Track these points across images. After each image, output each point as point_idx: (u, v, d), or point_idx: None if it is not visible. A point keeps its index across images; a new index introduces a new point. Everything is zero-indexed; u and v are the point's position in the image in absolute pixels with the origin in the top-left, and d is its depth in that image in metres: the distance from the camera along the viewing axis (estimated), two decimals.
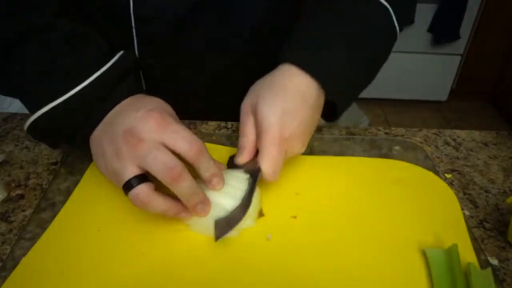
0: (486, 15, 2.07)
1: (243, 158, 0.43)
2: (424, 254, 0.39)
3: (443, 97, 2.38)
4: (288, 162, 0.50)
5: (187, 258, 0.38)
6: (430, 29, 2.10)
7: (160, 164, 0.36)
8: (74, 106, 0.40)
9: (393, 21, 0.49)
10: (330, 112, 0.48)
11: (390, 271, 0.38)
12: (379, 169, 0.50)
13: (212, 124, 0.58)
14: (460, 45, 2.16)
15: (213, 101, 0.62)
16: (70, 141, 0.43)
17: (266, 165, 0.41)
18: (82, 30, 0.44)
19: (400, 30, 0.51)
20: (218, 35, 0.55)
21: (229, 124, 0.58)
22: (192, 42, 0.55)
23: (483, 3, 2.03)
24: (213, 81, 0.60)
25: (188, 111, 0.58)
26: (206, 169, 0.39)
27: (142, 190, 0.36)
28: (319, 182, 0.48)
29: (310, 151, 0.53)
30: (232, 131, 0.56)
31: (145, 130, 0.37)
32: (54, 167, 0.49)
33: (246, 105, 0.44)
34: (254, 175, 0.42)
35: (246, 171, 0.43)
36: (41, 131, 0.42)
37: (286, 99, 0.42)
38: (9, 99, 1.34)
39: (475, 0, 2.01)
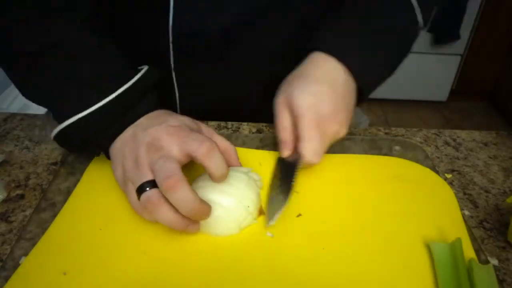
0: (486, 15, 2.07)
1: (287, 151, 0.46)
2: (427, 248, 0.40)
3: (443, 97, 2.38)
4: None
5: (189, 257, 0.38)
6: (430, 29, 2.10)
7: (162, 171, 0.36)
8: (98, 118, 0.42)
9: (415, 13, 0.51)
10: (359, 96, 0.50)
11: (393, 265, 0.38)
12: (377, 166, 0.51)
13: (212, 124, 0.58)
14: (460, 45, 2.16)
15: (244, 105, 0.62)
16: (91, 150, 0.45)
17: (307, 147, 0.43)
18: (107, 42, 0.45)
19: (424, 24, 0.53)
20: (254, 48, 0.56)
21: (229, 124, 0.58)
22: (229, 54, 0.55)
23: (483, 3, 2.04)
24: (250, 86, 0.61)
25: (218, 112, 0.59)
26: (215, 168, 0.39)
27: (154, 193, 0.37)
28: (318, 180, 0.48)
29: None
30: (232, 131, 0.56)
31: (166, 142, 0.39)
32: (54, 167, 0.49)
33: (279, 100, 0.46)
34: (296, 163, 0.44)
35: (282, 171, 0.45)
36: (66, 139, 0.44)
37: (315, 84, 0.44)
38: (9, 99, 1.34)
39: (475, 0, 2.01)
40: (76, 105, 0.41)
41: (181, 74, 0.57)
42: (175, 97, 0.60)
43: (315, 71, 0.46)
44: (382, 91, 2.35)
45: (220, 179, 0.40)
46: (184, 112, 0.60)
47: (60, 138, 0.43)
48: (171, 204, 0.37)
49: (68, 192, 0.45)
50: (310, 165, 0.45)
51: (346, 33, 0.48)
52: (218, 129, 0.57)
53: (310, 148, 0.43)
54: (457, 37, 2.10)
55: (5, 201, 0.44)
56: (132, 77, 0.43)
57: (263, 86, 0.59)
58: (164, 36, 0.52)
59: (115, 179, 0.43)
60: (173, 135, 0.40)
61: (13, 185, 0.46)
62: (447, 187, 0.48)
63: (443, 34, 2.10)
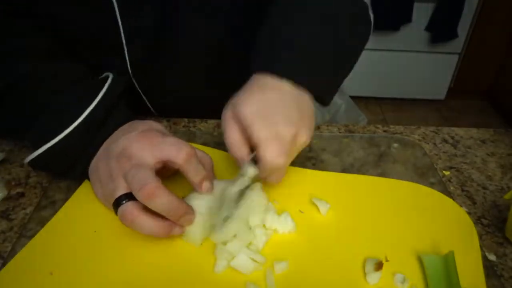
0: (484, 14, 2.08)
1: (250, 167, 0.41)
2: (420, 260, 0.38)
3: (441, 95, 2.38)
4: (293, 178, 0.47)
5: (178, 268, 0.37)
6: (428, 28, 2.10)
7: (136, 181, 0.35)
8: (71, 142, 0.41)
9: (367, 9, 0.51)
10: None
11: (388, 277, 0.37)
12: (392, 190, 0.48)
13: (212, 122, 0.58)
14: (458, 44, 2.17)
15: (211, 97, 0.62)
16: (70, 173, 0.44)
17: (267, 149, 0.38)
18: (68, 67, 0.45)
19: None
20: (199, 26, 0.55)
21: None
22: (178, 37, 0.55)
23: (481, 2, 2.04)
24: (206, 75, 0.61)
25: (186, 113, 0.59)
26: (195, 173, 0.39)
27: (127, 208, 0.36)
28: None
29: (310, 149, 0.54)
30: None
31: (136, 149, 0.38)
32: None
33: (226, 115, 0.42)
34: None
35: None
36: (41, 166, 0.43)
37: (259, 93, 0.41)
38: None
39: None
40: (45, 134, 0.41)
41: (140, 81, 0.57)
42: (145, 102, 0.61)
43: (260, 85, 0.42)
44: (380, 90, 2.36)
45: (201, 185, 0.39)
46: (161, 113, 0.62)
47: (35, 165, 0.43)
48: (148, 213, 0.36)
49: (68, 190, 0.45)
50: (274, 179, 0.41)
51: (283, 47, 0.44)
52: (217, 127, 0.57)
53: (271, 149, 0.38)
54: (454, 35, 2.11)
55: (5, 199, 0.44)
56: (94, 98, 0.43)
57: (217, 83, 0.59)
58: (117, 31, 0.51)
59: (98, 199, 0.42)
60: (142, 141, 0.39)
61: (13, 183, 0.46)
62: (466, 217, 0.44)
63: (441, 33, 2.10)
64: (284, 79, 0.42)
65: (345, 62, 0.50)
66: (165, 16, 0.51)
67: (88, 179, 0.44)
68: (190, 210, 0.38)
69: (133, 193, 0.36)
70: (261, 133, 0.39)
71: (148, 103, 0.61)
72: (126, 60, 0.54)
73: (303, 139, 0.41)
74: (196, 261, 0.38)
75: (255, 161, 0.40)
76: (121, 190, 0.37)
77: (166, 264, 0.37)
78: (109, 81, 0.45)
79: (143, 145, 0.38)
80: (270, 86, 0.42)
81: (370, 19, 0.54)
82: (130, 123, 0.44)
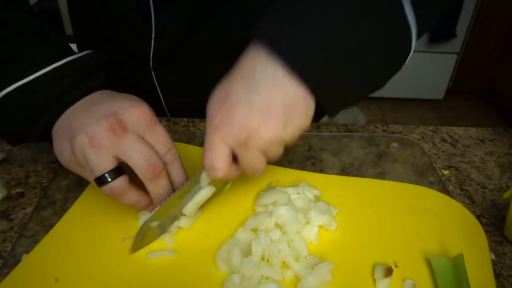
0: (482, 14, 2.08)
1: None
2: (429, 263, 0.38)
3: (440, 95, 2.39)
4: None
5: (186, 274, 0.37)
6: None
7: (143, 159, 0.35)
8: (37, 89, 0.38)
9: (411, 40, 0.38)
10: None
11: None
12: (404, 195, 0.47)
13: None
14: (456, 44, 2.17)
15: None
16: (29, 133, 0.41)
17: (203, 159, 0.37)
18: (51, 28, 0.44)
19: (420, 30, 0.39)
20: (227, 23, 0.55)
21: None
22: (203, 39, 0.56)
23: (479, 2, 2.04)
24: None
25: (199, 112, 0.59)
26: (177, 174, 0.39)
27: (119, 184, 0.36)
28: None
29: (309, 148, 0.54)
30: None
31: (132, 122, 0.37)
32: (53, 165, 0.49)
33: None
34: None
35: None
36: (2, 113, 0.39)
37: (225, 84, 0.36)
38: None
39: None
40: (12, 76, 0.38)
41: (160, 76, 0.59)
42: (161, 100, 0.61)
43: (238, 70, 0.36)
44: (379, 90, 2.36)
45: (155, 203, 0.39)
46: (174, 114, 0.62)
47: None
48: (134, 187, 0.37)
49: (68, 190, 0.45)
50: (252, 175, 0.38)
51: (284, 14, 0.35)
52: None
53: (205, 161, 0.36)
54: (453, 35, 2.11)
55: (5, 199, 0.44)
56: (73, 54, 0.40)
57: None
58: (147, 31, 0.53)
59: (60, 160, 0.39)
60: (140, 117, 0.37)
61: (13, 183, 0.46)
62: (477, 223, 0.43)
63: (440, 33, 2.11)
64: (277, 56, 0.33)
65: (371, 66, 0.38)
66: (196, 10, 0.52)
67: (49, 141, 0.40)
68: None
69: (139, 170, 0.36)
70: (205, 139, 0.36)
71: (163, 101, 0.61)
72: (150, 50, 0.54)
73: (266, 135, 0.34)
74: (203, 269, 0.37)
75: None
76: (106, 165, 0.35)
77: (174, 270, 0.37)
78: (88, 51, 0.42)
79: (140, 122, 0.37)
80: (245, 68, 0.36)
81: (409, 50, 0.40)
82: (114, 92, 0.41)
